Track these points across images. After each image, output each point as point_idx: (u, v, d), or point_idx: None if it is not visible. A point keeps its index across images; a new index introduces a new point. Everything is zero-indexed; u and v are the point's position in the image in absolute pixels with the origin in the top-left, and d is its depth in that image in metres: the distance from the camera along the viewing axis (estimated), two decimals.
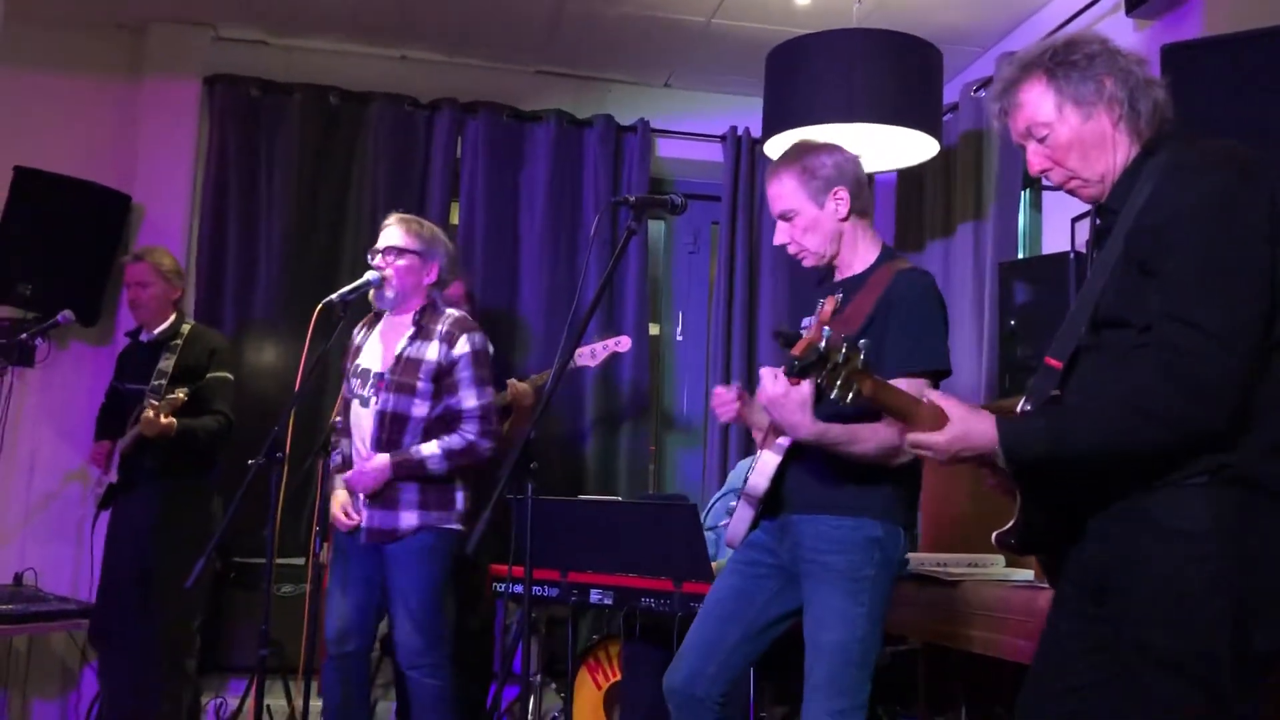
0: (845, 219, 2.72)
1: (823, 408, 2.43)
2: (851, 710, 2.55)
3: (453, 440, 3.52)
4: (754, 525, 2.70)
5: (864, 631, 2.56)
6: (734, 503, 2.75)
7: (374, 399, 3.51)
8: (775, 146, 4.29)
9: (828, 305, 2.50)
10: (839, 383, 1.78)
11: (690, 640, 2.76)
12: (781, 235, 2.76)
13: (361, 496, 3.49)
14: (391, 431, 3.48)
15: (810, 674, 2.58)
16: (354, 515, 3.50)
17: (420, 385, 3.50)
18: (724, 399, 2.77)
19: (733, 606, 2.74)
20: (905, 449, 2.01)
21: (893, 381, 2.39)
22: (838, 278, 2.79)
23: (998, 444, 1.83)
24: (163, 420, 3.95)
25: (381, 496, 3.47)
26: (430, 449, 3.49)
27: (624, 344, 4.59)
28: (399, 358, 3.52)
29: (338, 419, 3.74)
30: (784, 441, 2.59)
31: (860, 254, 2.76)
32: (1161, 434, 1.75)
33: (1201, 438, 1.75)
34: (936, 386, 2.57)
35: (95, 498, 4.35)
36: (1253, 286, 1.74)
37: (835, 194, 2.69)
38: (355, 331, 3.72)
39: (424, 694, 3.46)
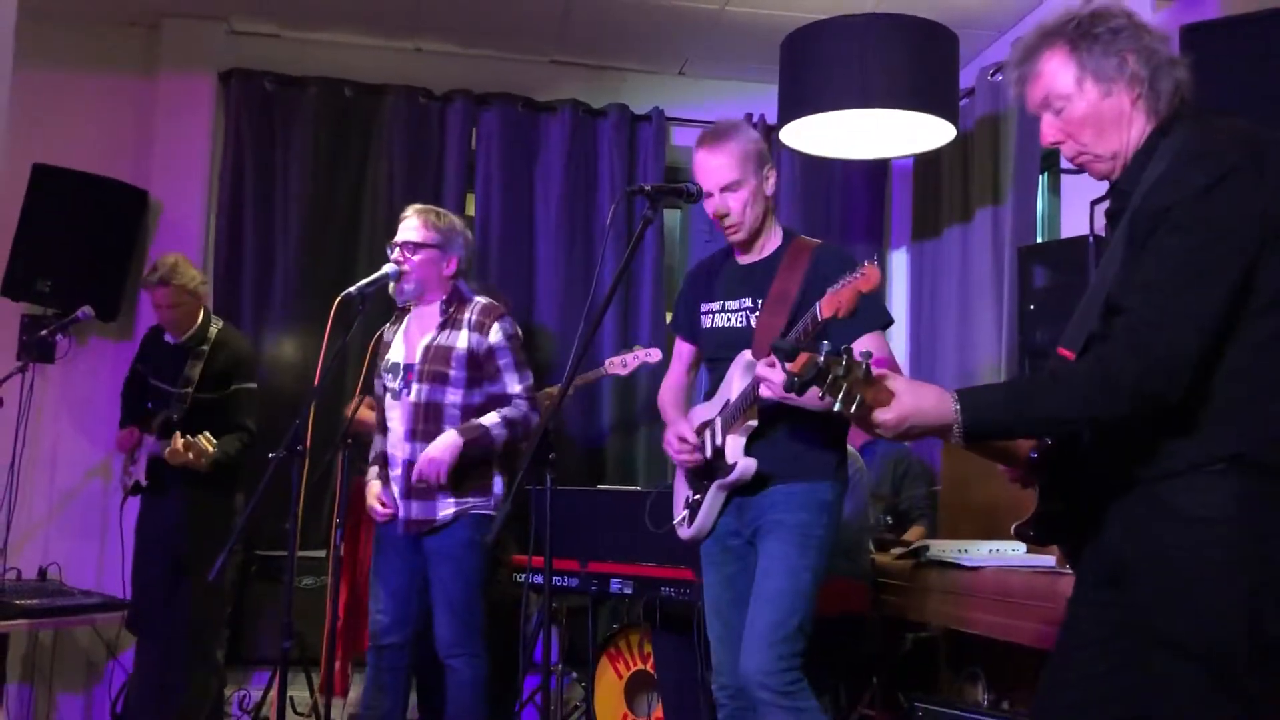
0: (770, 196, 2.87)
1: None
2: (790, 657, 2.66)
3: (510, 410, 3.53)
4: (724, 509, 2.84)
5: (807, 585, 2.70)
6: (695, 495, 2.83)
7: (405, 391, 3.50)
8: (791, 133, 4.28)
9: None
10: (842, 395, 1.77)
11: (714, 641, 2.90)
12: (721, 206, 2.82)
13: (397, 487, 3.49)
14: (427, 421, 3.47)
15: (753, 623, 2.70)
16: (389, 505, 3.50)
17: (453, 373, 3.49)
18: (688, 449, 2.87)
19: (730, 594, 2.86)
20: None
21: (864, 338, 2.64)
22: (748, 259, 2.92)
23: (956, 415, 1.80)
24: (188, 456, 3.98)
25: (422, 489, 3.45)
26: (491, 418, 3.49)
27: (654, 355, 4.61)
28: (427, 347, 3.51)
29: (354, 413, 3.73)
30: (752, 424, 2.74)
31: (771, 235, 2.92)
32: (1116, 403, 1.75)
33: (1155, 408, 1.74)
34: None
35: (123, 485, 4.36)
36: (1228, 272, 1.73)
37: (768, 170, 2.86)
38: (386, 329, 3.71)
39: (462, 682, 3.47)
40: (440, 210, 3.69)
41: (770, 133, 5.30)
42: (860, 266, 2.35)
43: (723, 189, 2.80)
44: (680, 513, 2.96)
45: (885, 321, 2.84)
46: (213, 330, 4.33)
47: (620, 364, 4.60)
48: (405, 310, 3.68)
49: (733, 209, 2.81)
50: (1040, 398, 1.81)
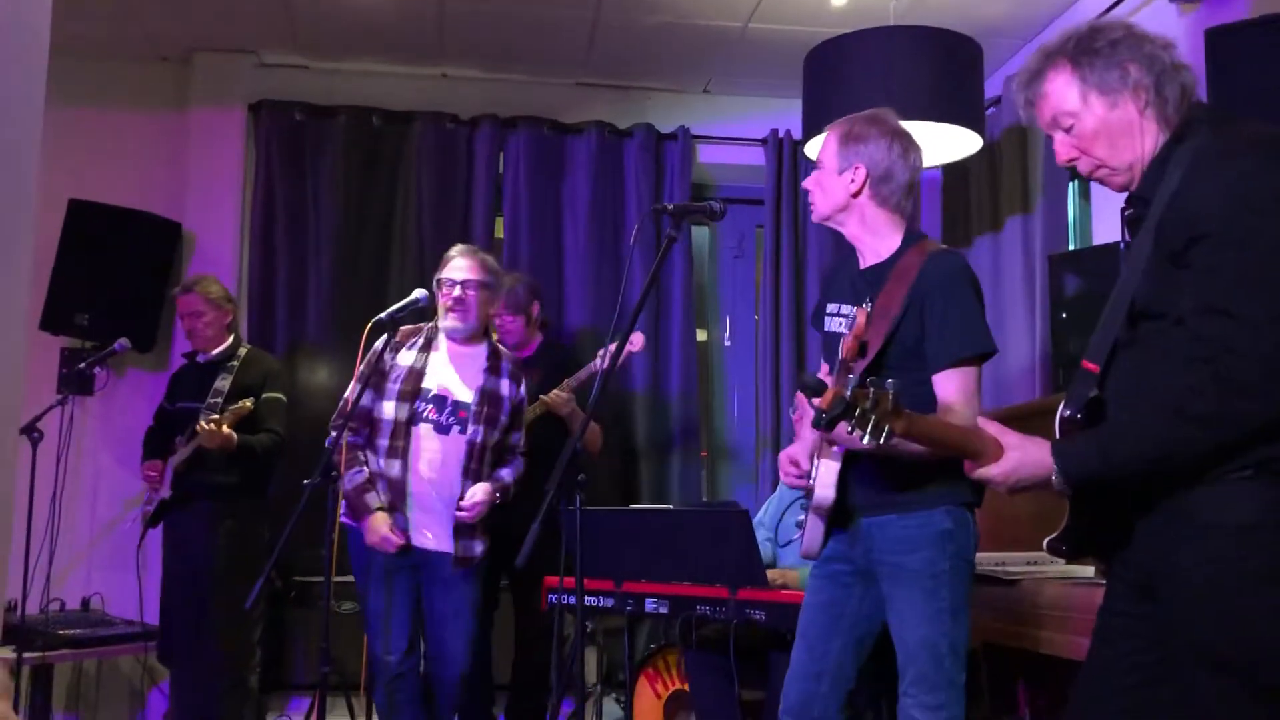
0: (857, 195, 2.68)
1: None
2: (948, 704, 2.56)
3: (517, 467, 3.80)
4: (827, 536, 2.68)
5: (948, 626, 2.56)
6: (801, 516, 2.73)
7: (457, 428, 3.62)
8: (816, 147, 4.26)
9: (860, 319, 2.50)
10: (870, 428, 1.76)
11: (795, 662, 2.75)
12: (808, 180, 2.79)
13: (441, 521, 3.60)
14: (480, 462, 3.66)
15: (903, 674, 2.59)
16: (399, 537, 3.55)
17: (502, 419, 3.71)
18: (795, 474, 2.73)
19: (826, 620, 2.73)
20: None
21: (946, 372, 2.50)
22: (862, 265, 2.74)
23: (1054, 469, 1.82)
24: (224, 430, 4.01)
25: (469, 526, 3.63)
26: (508, 475, 3.75)
27: (636, 342, 4.47)
28: (483, 390, 3.66)
29: (348, 435, 3.62)
30: (840, 448, 2.56)
31: (882, 237, 2.70)
32: (1211, 434, 1.72)
33: (1247, 433, 1.72)
34: (981, 365, 2.59)
35: (143, 516, 4.41)
36: None
37: (855, 167, 2.67)
38: (395, 350, 3.68)
39: (469, 697, 3.71)
40: (482, 251, 3.84)
41: (796, 148, 5.32)
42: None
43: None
44: (798, 532, 2.89)
45: (970, 352, 2.55)
46: (242, 350, 4.45)
47: (601, 357, 4.36)
48: (428, 336, 3.71)
49: (809, 185, 2.76)
50: (1128, 442, 1.79)
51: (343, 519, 3.68)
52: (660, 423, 5.32)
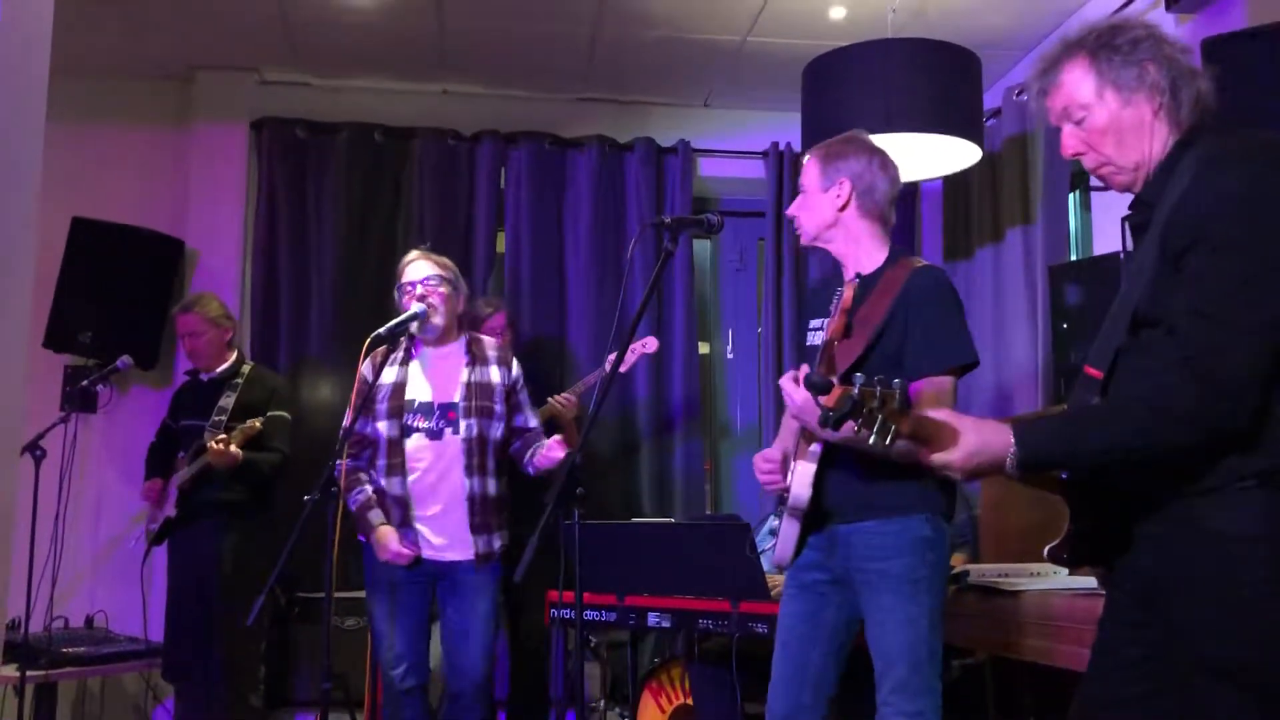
0: (843, 209, 2.76)
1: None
2: (927, 711, 2.57)
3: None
4: (802, 540, 2.69)
5: (927, 633, 2.58)
6: (775, 522, 2.74)
7: (449, 429, 3.56)
8: None
9: (846, 293, 2.54)
10: (877, 427, 1.74)
11: (778, 673, 2.76)
12: (791, 208, 2.87)
13: (449, 526, 3.55)
14: (480, 456, 3.58)
15: (881, 682, 2.60)
16: (410, 550, 3.54)
17: (496, 408, 3.65)
18: (769, 470, 2.75)
19: (805, 630, 2.74)
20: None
21: (924, 380, 2.54)
22: (846, 277, 2.80)
23: (1012, 448, 1.78)
24: (233, 449, 4.02)
25: (487, 522, 3.58)
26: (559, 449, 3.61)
27: (650, 345, 4.52)
28: (469, 384, 3.61)
29: (345, 461, 3.60)
30: (816, 449, 2.59)
31: (867, 252, 2.78)
32: (1180, 432, 1.71)
33: (1222, 435, 1.71)
34: (961, 377, 2.66)
35: (146, 534, 4.42)
36: (1278, 284, 1.70)
37: (840, 183, 2.76)
38: (373, 369, 3.65)
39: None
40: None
41: (797, 161, 5.32)
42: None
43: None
44: (770, 542, 2.91)
45: (953, 362, 2.64)
46: (245, 368, 4.46)
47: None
48: (406, 351, 3.69)
49: (794, 211, 2.86)
50: (1096, 429, 1.78)
51: (360, 536, 3.69)
52: (663, 435, 5.31)
